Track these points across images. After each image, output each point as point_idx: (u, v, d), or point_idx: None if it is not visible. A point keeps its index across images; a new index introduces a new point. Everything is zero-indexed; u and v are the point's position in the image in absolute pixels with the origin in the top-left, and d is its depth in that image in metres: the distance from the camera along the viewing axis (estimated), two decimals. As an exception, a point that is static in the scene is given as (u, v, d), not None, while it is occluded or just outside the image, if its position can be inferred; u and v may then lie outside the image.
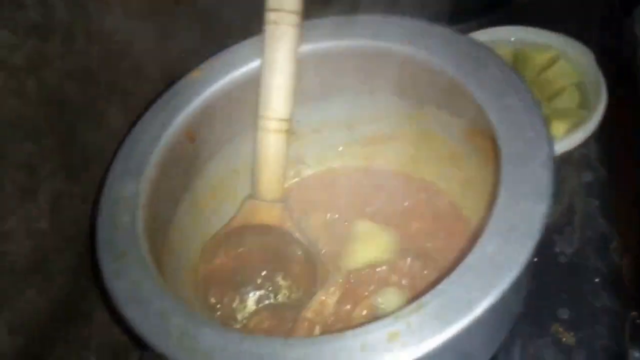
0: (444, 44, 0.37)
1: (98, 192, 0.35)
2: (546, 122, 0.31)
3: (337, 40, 0.40)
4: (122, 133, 0.46)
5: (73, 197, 0.42)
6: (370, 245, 0.43)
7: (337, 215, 0.47)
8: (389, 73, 0.41)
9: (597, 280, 0.45)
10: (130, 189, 0.34)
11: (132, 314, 0.28)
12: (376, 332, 0.26)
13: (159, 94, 0.42)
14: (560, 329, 0.43)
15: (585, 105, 0.49)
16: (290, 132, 0.40)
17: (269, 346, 0.26)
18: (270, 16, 0.38)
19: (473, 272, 0.27)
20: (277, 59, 0.38)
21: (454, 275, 0.27)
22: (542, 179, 0.28)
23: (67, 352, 0.43)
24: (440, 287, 0.27)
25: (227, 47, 0.42)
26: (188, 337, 0.27)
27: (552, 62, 0.53)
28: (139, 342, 0.29)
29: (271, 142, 0.39)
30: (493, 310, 0.26)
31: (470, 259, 0.27)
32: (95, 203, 0.34)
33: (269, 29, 0.38)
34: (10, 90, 0.36)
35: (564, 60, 0.52)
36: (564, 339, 0.42)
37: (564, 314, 0.43)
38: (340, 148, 0.49)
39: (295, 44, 0.38)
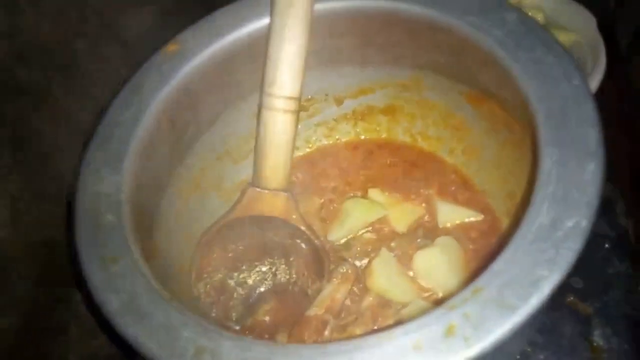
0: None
1: (69, 188, 0.30)
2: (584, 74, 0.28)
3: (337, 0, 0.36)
4: (82, 124, 0.41)
5: (33, 198, 0.37)
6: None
7: (331, 197, 0.43)
8: (388, 36, 0.37)
9: (606, 246, 0.43)
10: (110, 183, 0.29)
11: (134, 330, 0.23)
12: (429, 327, 0.22)
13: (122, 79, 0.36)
14: (576, 300, 0.41)
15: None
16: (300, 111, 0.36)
17: (306, 356, 0.22)
18: None
19: (532, 246, 0.23)
20: (289, 25, 0.33)
21: (508, 252, 0.23)
22: (589, 136, 0.25)
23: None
24: (494, 267, 0.23)
25: (203, 16, 0.37)
26: (207, 353, 0.22)
27: None
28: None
29: (278, 124, 0.35)
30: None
31: (524, 231, 0.24)
32: (69, 200, 0.29)
33: None
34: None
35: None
36: (581, 310, 0.41)
37: (577, 283, 0.42)
38: (330, 125, 0.45)
39: (310, 9, 0.34)
